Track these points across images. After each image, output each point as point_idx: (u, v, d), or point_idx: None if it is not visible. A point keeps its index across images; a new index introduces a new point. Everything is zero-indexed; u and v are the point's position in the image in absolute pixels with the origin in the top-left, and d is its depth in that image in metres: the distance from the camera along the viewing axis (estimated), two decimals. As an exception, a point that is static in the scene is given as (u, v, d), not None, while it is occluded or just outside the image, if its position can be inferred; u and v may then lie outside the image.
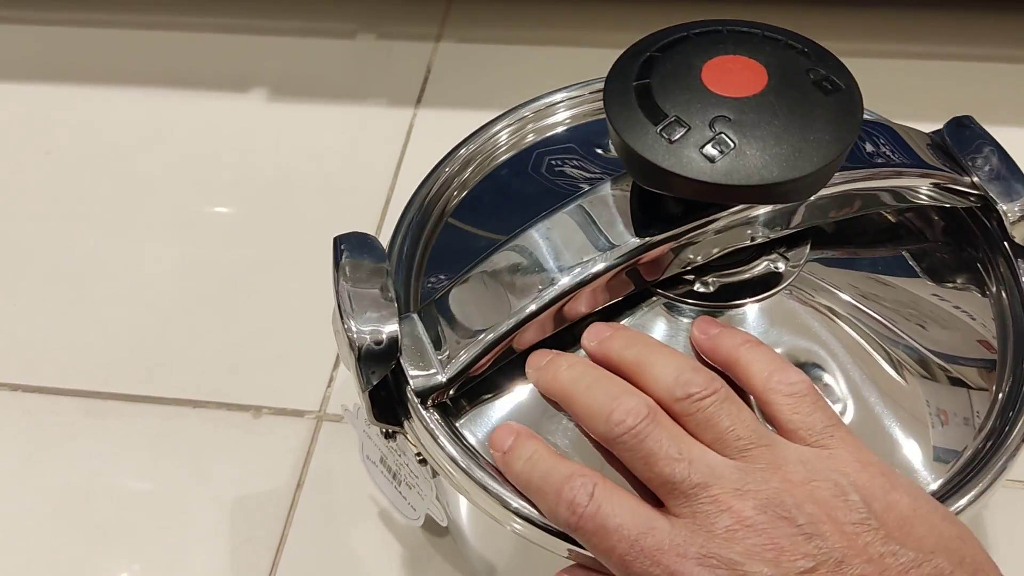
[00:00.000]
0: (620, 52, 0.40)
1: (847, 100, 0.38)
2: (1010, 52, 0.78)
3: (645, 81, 0.38)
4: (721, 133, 0.36)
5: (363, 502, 0.56)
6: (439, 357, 0.40)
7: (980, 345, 0.43)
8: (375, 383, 0.40)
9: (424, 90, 0.79)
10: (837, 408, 0.39)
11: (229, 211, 0.73)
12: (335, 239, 0.43)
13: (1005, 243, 0.45)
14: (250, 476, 0.58)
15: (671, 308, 0.41)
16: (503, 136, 0.50)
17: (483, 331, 0.39)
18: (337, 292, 0.41)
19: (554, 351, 0.40)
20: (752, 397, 0.37)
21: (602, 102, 0.38)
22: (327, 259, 0.43)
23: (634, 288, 0.41)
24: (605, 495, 0.35)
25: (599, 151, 0.48)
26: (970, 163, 0.45)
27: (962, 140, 0.46)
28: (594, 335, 0.39)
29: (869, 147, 0.43)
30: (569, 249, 0.39)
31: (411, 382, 0.39)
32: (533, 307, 0.39)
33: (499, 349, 0.39)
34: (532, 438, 0.38)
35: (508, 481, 0.38)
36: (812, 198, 0.41)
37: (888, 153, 0.43)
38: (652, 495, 0.35)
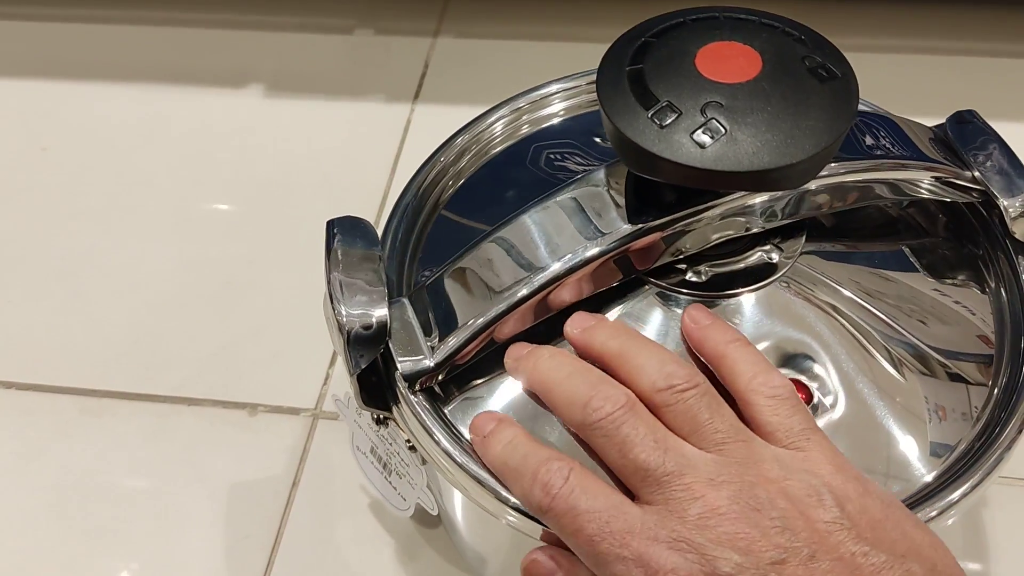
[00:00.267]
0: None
1: (843, 88, 0.38)
2: (1014, 47, 0.78)
3: (638, 66, 0.38)
4: (712, 119, 0.36)
5: (360, 499, 0.56)
6: (428, 342, 0.40)
7: (979, 340, 0.43)
8: (363, 366, 0.40)
9: (422, 86, 0.79)
10: (828, 401, 0.40)
11: (226, 208, 0.73)
12: (328, 222, 0.43)
13: (1006, 239, 0.45)
14: (246, 474, 0.58)
15: (663, 297, 0.42)
16: (498, 127, 0.50)
17: (473, 316, 0.39)
18: (328, 276, 0.41)
19: (534, 345, 0.40)
20: (733, 395, 0.37)
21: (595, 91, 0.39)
22: (323, 255, 0.43)
23: (626, 276, 0.41)
24: (579, 479, 0.35)
25: (596, 140, 0.49)
26: (972, 158, 0.45)
27: (964, 134, 0.46)
28: (578, 323, 0.39)
29: (869, 139, 0.43)
30: (561, 235, 0.40)
31: (399, 367, 0.40)
32: (523, 292, 0.39)
33: (488, 334, 0.40)
34: (513, 425, 0.38)
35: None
36: (811, 187, 0.41)
37: (888, 145, 0.43)
38: (627, 490, 0.36)
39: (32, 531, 0.57)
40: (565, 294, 0.40)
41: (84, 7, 0.87)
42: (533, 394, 0.39)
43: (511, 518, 0.38)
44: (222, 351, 0.64)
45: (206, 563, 0.55)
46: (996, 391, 0.41)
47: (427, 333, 0.40)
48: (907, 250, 0.45)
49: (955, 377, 0.41)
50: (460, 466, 0.39)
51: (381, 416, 0.43)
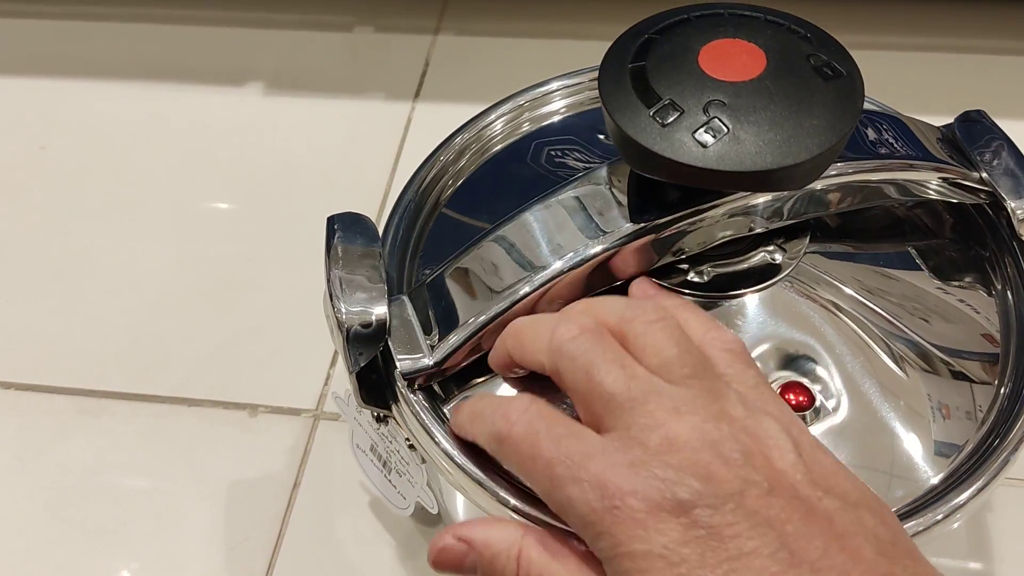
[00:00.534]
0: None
1: (848, 87, 0.38)
2: (1022, 44, 0.78)
3: (641, 63, 0.38)
4: (715, 117, 0.36)
5: (360, 499, 0.57)
6: (428, 340, 0.40)
7: (983, 339, 0.43)
8: (363, 364, 0.40)
9: (422, 83, 0.79)
10: (832, 402, 0.40)
11: (225, 206, 0.73)
12: (329, 219, 0.44)
13: (1013, 241, 0.45)
14: (246, 475, 0.58)
15: None
16: (499, 124, 0.50)
17: (473, 315, 0.40)
18: (328, 273, 0.41)
19: None
20: None
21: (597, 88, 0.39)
22: (324, 252, 0.43)
23: (628, 276, 0.41)
24: (540, 407, 0.35)
25: (599, 138, 0.49)
26: (979, 158, 0.45)
27: (972, 135, 0.46)
28: None
29: (876, 139, 0.43)
30: (563, 233, 0.40)
31: (398, 365, 0.40)
32: (524, 290, 0.39)
33: (488, 332, 0.39)
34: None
35: (495, 467, 0.38)
36: (816, 187, 0.41)
37: (896, 145, 0.43)
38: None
39: (31, 532, 0.57)
40: (567, 292, 0.40)
41: (83, 5, 0.88)
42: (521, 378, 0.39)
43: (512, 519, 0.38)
44: (222, 351, 0.64)
45: (206, 565, 0.55)
46: (1003, 392, 0.41)
47: (427, 331, 0.40)
48: (912, 251, 0.45)
49: (960, 377, 0.42)
50: (459, 466, 0.39)
51: (381, 414, 0.43)
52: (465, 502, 0.45)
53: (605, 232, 0.39)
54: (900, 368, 0.41)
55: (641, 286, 0.40)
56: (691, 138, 0.36)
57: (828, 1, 0.78)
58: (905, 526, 0.36)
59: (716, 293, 0.41)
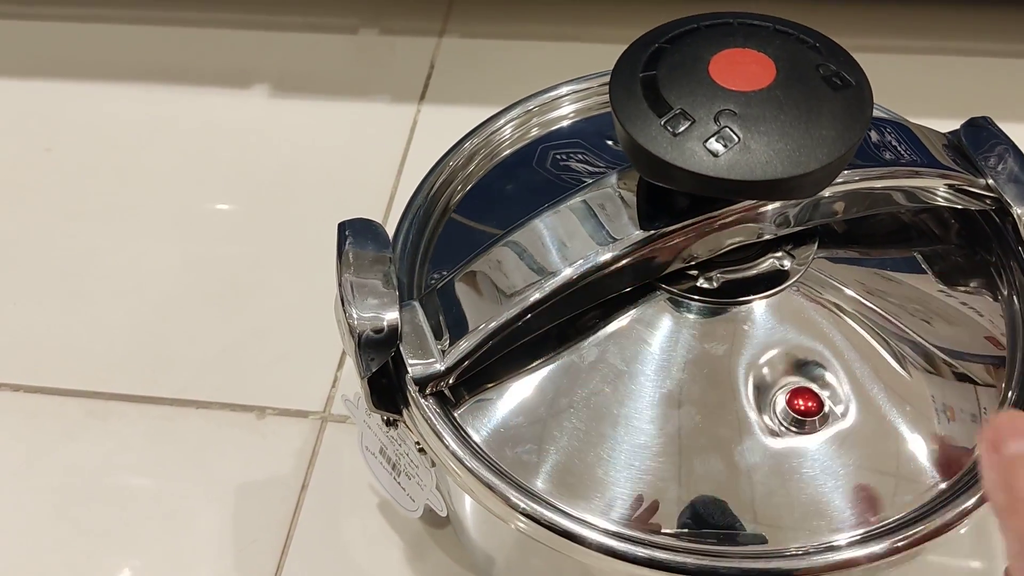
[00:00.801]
0: (626, 47, 0.40)
1: (856, 96, 0.38)
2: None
3: (652, 72, 0.39)
4: (726, 127, 0.37)
5: (369, 502, 0.57)
6: (439, 346, 0.41)
7: (988, 342, 0.43)
8: (374, 370, 0.40)
9: (428, 86, 0.79)
10: (841, 408, 0.40)
11: (231, 208, 0.73)
12: (339, 225, 0.44)
13: (1019, 247, 0.45)
14: (254, 477, 0.58)
15: (675, 303, 0.42)
16: (508, 129, 0.51)
17: (484, 320, 0.40)
18: (339, 279, 0.42)
19: None
20: None
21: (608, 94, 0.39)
22: (331, 257, 0.43)
23: (637, 282, 0.41)
24: None
25: (608, 143, 0.49)
26: (985, 164, 0.45)
27: (978, 141, 0.46)
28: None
29: (883, 146, 0.43)
30: (573, 240, 0.40)
31: (410, 370, 0.40)
32: (535, 296, 0.39)
33: (500, 339, 0.40)
34: None
35: (503, 472, 0.39)
36: (824, 195, 0.41)
37: (903, 152, 0.43)
38: None
39: (38, 534, 0.57)
40: (578, 298, 0.40)
41: (87, 7, 0.88)
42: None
43: (520, 523, 0.39)
44: (229, 352, 0.64)
45: (215, 566, 0.55)
46: (1010, 396, 0.41)
47: (438, 337, 0.41)
48: (919, 256, 0.46)
49: (967, 380, 0.42)
50: (470, 470, 0.39)
51: (391, 418, 0.43)
52: (473, 505, 0.45)
53: (615, 239, 0.39)
54: (907, 373, 0.41)
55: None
56: (702, 147, 0.36)
57: (834, 5, 0.79)
58: (913, 531, 0.37)
59: (725, 299, 0.42)
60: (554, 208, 0.41)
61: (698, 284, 0.42)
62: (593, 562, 0.39)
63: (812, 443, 0.39)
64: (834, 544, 0.37)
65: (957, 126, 0.47)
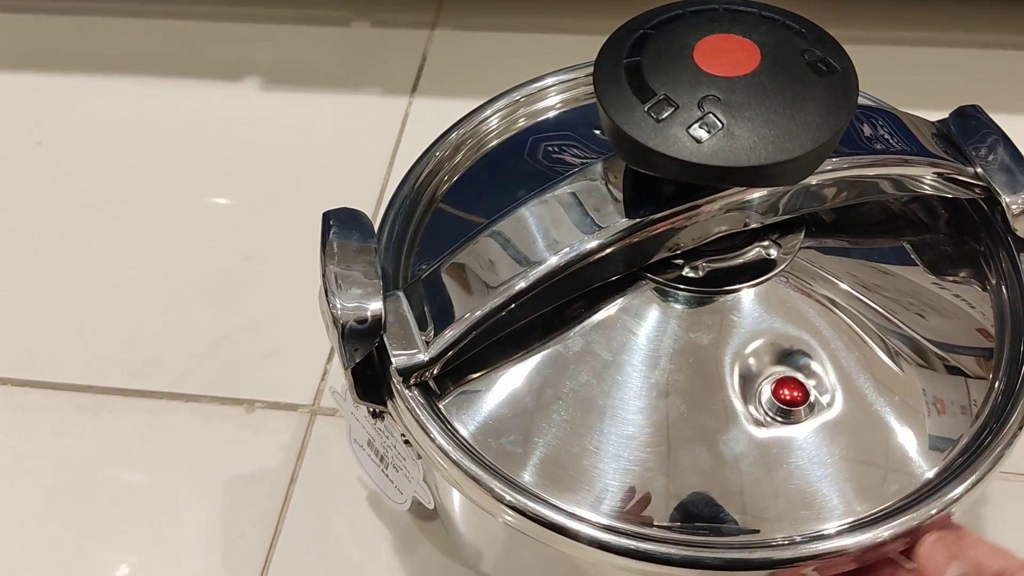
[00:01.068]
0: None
1: (842, 83, 0.38)
2: (1019, 39, 0.78)
3: (636, 58, 0.38)
4: (710, 113, 0.36)
5: (357, 495, 0.57)
6: (423, 336, 0.40)
7: (978, 334, 0.43)
8: (358, 360, 0.40)
9: (419, 78, 0.79)
10: (827, 397, 0.40)
11: (222, 202, 0.73)
12: (324, 214, 0.44)
13: (1008, 236, 0.45)
14: (243, 471, 0.59)
15: (661, 293, 0.42)
16: (494, 120, 0.51)
17: (469, 310, 0.40)
18: (323, 269, 0.42)
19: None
20: None
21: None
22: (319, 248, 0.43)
23: (623, 271, 0.41)
24: None
25: (595, 133, 0.49)
26: (974, 153, 0.45)
27: (967, 130, 0.46)
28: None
29: (871, 134, 0.43)
30: (558, 228, 0.40)
31: (393, 361, 0.40)
32: (520, 285, 0.39)
33: (484, 328, 0.40)
34: None
35: (488, 465, 0.39)
36: (811, 182, 0.41)
37: (891, 140, 0.43)
38: None
39: (28, 528, 0.57)
40: (563, 287, 0.40)
41: (79, 0, 0.88)
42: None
43: (507, 516, 0.38)
44: (219, 346, 0.64)
45: (203, 559, 0.55)
46: (997, 387, 0.41)
47: (422, 327, 0.41)
48: (907, 246, 0.46)
49: (955, 371, 0.42)
50: (455, 462, 0.39)
51: (376, 410, 0.43)
52: (461, 497, 0.45)
53: (600, 227, 0.39)
54: (895, 363, 0.41)
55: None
56: (686, 133, 0.36)
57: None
58: (899, 520, 0.37)
59: (711, 288, 0.41)
60: (539, 197, 0.41)
61: (684, 273, 0.42)
62: (579, 554, 0.38)
63: (798, 433, 0.39)
64: (820, 534, 0.37)
65: (946, 115, 0.47)
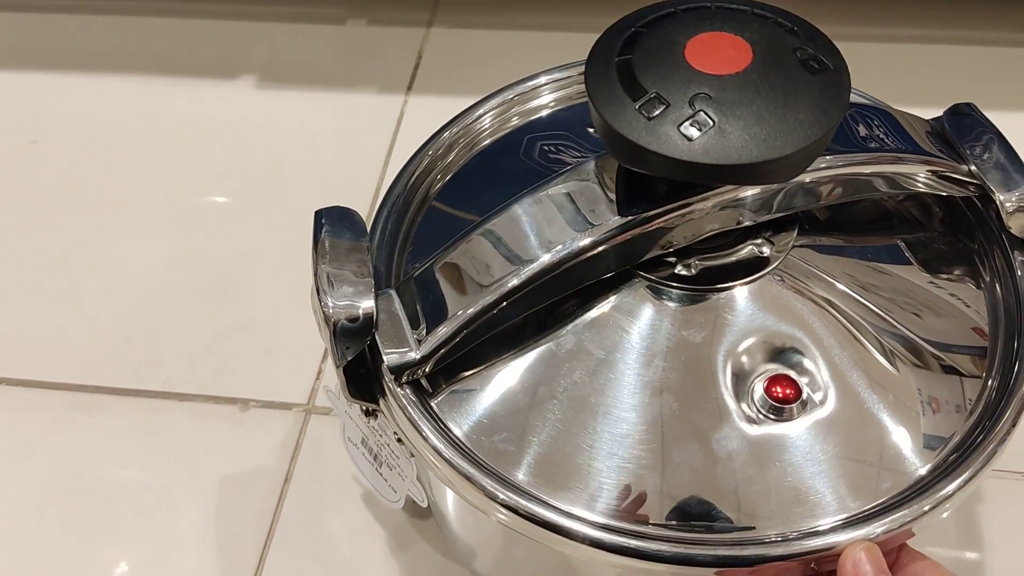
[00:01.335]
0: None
1: (834, 81, 0.38)
2: (1014, 36, 0.79)
3: (627, 57, 0.38)
4: (701, 111, 0.36)
5: (352, 494, 0.57)
6: (415, 335, 0.41)
7: (973, 333, 0.43)
8: (350, 359, 0.40)
9: (415, 76, 0.80)
10: (820, 395, 0.40)
11: (217, 200, 0.73)
12: (316, 213, 0.44)
13: (1002, 234, 0.45)
14: (238, 470, 0.59)
15: (653, 291, 0.42)
16: (488, 119, 0.51)
17: (461, 308, 0.40)
18: (315, 267, 0.42)
19: None
20: None
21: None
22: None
23: (615, 269, 0.41)
24: None
25: (589, 131, 0.49)
26: (969, 151, 0.45)
27: (961, 128, 0.46)
28: None
29: (865, 132, 0.43)
30: (551, 226, 0.40)
31: (385, 359, 0.40)
32: (513, 283, 0.39)
33: (477, 326, 0.40)
34: None
35: (481, 463, 0.39)
36: (804, 180, 0.41)
37: (884, 139, 0.43)
38: None
39: (22, 528, 0.57)
40: (556, 285, 0.40)
41: (74, -3, 0.88)
42: None
43: (500, 515, 0.39)
44: (214, 346, 0.65)
45: (198, 559, 0.56)
46: (990, 384, 0.41)
47: (414, 325, 0.41)
48: (902, 244, 0.46)
49: (949, 370, 0.42)
50: (447, 460, 0.39)
51: (369, 408, 0.43)
52: (454, 496, 0.45)
53: (593, 225, 0.39)
54: (888, 361, 0.41)
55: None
56: (677, 131, 0.36)
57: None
58: (893, 517, 0.37)
59: (704, 286, 0.42)
60: (532, 195, 0.41)
61: (676, 271, 0.42)
62: (572, 552, 0.39)
63: (791, 430, 0.39)
64: (812, 530, 0.37)
65: (940, 113, 0.47)
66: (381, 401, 0.42)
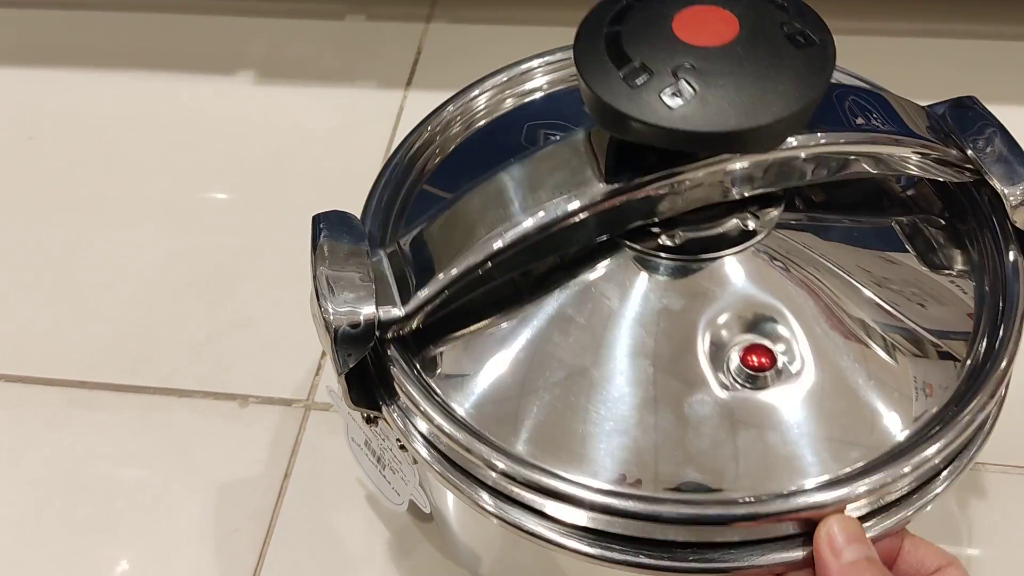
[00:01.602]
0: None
1: (819, 55, 0.39)
2: (1017, 29, 0.80)
3: (616, 28, 0.40)
4: (683, 80, 0.38)
5: (351, 491, 0.58)
6: (401, 294, 0.42)
7: (955, 310, 0.45)
8: (352, 366, 0.41)
9: (414, 72, 0.81)
10: (796, 366, 0.41)
11: (215, 196, 0.74)
12: (314, 217, 0.45)
13: (993, 219, 0.46)
14: (237, 466, 0.60)
15: (639, 260, 0.43)
16: (482, 100, 0.53)
17: (444, 268, 0.41)
18: (314, 272, 0.43)
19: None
20: None
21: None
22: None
23: (601, 236, 0.43)
24: None
25: (585, 112, 0.50)
26: (972, 145, 0.46)
27: (964, 120, 0.47)
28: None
29: (857, 113, 0.44)
30: (537, 191, 0.42)
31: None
32: (496, 245, 0.41)
33: (461, 286, 0.42)
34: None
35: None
36: (791, 156, 0.43)
37: (876, 121, 0.44)
38: None
39: (20, 525, 0.58)
40: (540, 248, 0.42)
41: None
42: None
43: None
44: (212, 341, 0.66)
45: (197, 556, 0.57)
46: (969, 363, 0.43)
47: (402, 286, 0.42)
48: (889, 224, 0.47)
49: (930, 347, 0.43)
50: (449, 469, 0.41)
51: (371, 415, 0.44)
52: (456, 502, 0.46)
53: (580, 190, 0.41)
54: (866, 334, 0.43)
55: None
56: (658, 99, 0.38)
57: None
58: (869, 479, 0.38)
59: (689, 256, 0.43)
60: (520, 160, 0.43)
61: (661, 241, 0.43)
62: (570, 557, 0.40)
63: (766, 398, 0.41)
64: (783, 493, 0.39)
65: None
66: (383, 408, 0.43)
